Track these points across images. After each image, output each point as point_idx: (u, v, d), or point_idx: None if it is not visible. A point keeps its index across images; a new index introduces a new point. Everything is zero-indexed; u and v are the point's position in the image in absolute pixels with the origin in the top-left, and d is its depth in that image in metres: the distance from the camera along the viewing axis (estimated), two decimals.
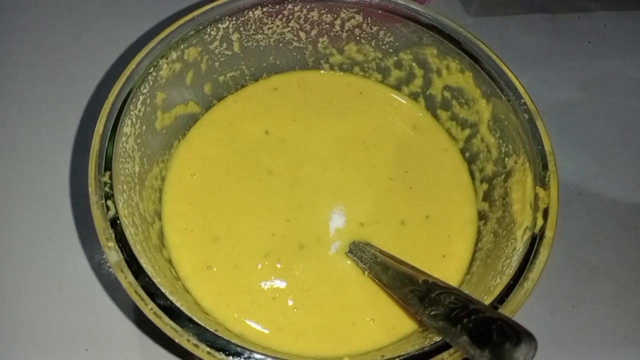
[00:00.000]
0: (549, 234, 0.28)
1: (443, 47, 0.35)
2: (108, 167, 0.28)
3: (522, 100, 0.32)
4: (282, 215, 0.35)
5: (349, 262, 0.33)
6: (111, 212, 0.27)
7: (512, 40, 0.52)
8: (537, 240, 0.28)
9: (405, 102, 0.39)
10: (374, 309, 0.32)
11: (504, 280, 0.27)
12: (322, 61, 0.39)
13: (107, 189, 0.28)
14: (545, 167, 0.30)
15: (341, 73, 0.40)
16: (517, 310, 0.26)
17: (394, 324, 0.32)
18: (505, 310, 0.26)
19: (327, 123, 0.38)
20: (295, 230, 0.34)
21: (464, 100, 0.36)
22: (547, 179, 0.29)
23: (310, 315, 0.32)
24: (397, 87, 0.39)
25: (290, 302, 0.32)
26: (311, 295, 0.32)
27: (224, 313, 0.31)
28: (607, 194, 0.46)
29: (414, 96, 0.39)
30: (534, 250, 0.28)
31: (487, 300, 0.27)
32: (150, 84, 0.32)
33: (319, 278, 0.33)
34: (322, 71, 0.40)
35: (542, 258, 0.27)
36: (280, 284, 0.32)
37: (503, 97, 0.32)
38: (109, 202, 0.27)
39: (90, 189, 0.28)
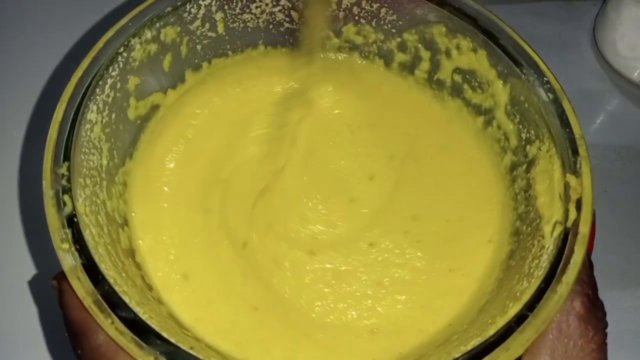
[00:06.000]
0: (583, 229, 0.24)
1: (452, 23, 0.31)
2: (67, 157, 0.24)
3: (544, 79, 0.28)
4: (270, 217, 0.31)
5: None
6: (67, 209, 0.23)
7: (525, 29, 0.47)
8: (570, 237, 0.24)
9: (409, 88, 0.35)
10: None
11: (534, 283, 0.23)
12: None
13: (64, 181, 0.24)
14: (575, 152, 0.26)
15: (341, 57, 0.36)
16: (549, 319, 0.22)
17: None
18: (537, 318, 0.22)
19: None
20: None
21: (477, 84, 0.32)
22: (578, 166, 0.25)
23: (301, 331, 0.27)
24: (401, 73, 0.35)
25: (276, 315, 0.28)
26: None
27: (204, 327, 0.27)
28: (634, 190, 0.42)
29: (419, 82, 0.35)
30: (566, 248, 0.24)
31: (514, 308, 0.23)
32: (121, 66, 0.28)
33: None
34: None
35: (578, 257, 0.23)
36: (265, 294, 0.28)
37: (523, 76, 0.28)
38: (66, 197, 0.23)
39: (44, 183, 0.24)
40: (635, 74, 0.45)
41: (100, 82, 0.27)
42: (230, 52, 0.34)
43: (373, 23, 0.34)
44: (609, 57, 0.46)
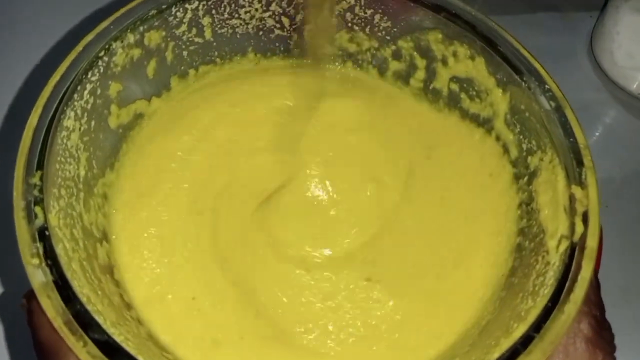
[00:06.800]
0: (591, 243, 0.22)
1: (449, 30, 0.30)
2: (40, 166, 0.23)
3: (546, 86, 0.27)
4: (263, 236, 0.29)
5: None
6: (39, 221, 0.22)
7: (521, 40, 0.47)
8: (577, 252, 0.22)
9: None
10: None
11: (540, 302, 0.22)
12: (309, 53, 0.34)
13: (36, 192, 0.22)
14: (580, 162, 0.24)
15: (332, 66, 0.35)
16: (557, 341, 0.21)
17: None
18: (544, 340, 0.20)
19: None
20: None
21: (474, 93, 0.31)
22: (583, 177, 0.24)
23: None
24: (396, 83, 0.34)
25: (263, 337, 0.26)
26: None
27: (185, 348, 0.25)
28: (635, 205, 0.40)
29: (414, 92, 0.34)
30: (573, 263, 0.22)
31: (519, 329, 0.21)
32: (101, 71, 0.27)
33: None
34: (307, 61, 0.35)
35: (586, 274, 0.22)
36: (254, 316, 0.26)
37: (523, 84, 0.27)
38: (37, 209, 0.22)
39: (15, 193, 0.22)
40: (635, 86, 0.44)
41: (79, 87, 0.25)
42: (218, 60, 0.33)
43: (367, 30, 0.32)
44: (606, 68, 0.45)
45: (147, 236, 0.28)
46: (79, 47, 0.26)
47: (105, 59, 0.27)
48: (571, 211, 0.24)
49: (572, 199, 0.24)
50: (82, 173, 0.26)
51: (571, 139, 0.25)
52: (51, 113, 0.24)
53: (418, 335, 0.27)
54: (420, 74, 0.33)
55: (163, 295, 0.27)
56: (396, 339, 0.26)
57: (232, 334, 0.26)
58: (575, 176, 0.24)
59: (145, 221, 0.29)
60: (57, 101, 0.25)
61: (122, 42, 0.27)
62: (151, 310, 0.26)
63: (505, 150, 0.29)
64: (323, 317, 0.27)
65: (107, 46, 0.27)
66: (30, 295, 0.21)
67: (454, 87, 0.32)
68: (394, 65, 0.33)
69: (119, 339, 0.20)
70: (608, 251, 0.38)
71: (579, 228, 0.23)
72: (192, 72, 0.32)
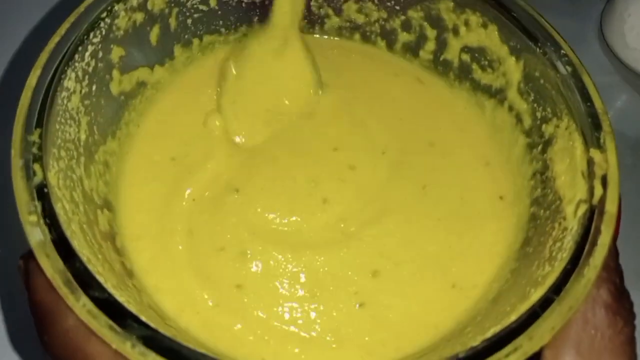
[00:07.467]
0: (610, 208, 0.22)
1: None
2: (39, 124, 0.22)
3: (562, 52, 0.26)
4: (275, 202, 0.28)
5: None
6: (37, 178, 0.21)
7: None
8: (596, 216, 0.21)
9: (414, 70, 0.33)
10: None
11: (557, 266, 0.21)
12: (315, 24, 0.33)
13: (35, 149, 0.21)
14: (598, 127, 0.24)
15: (338, 39, 0.34)
16: (576, 306, 0.20)
17: None
18: (563, 304, 0.19)
19: None
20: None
21: (487, 62, 0.30)
22: (602, 141, 0.23)
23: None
24: (404, 55, 0.33)
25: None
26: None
27: (188, 318, 0.24)
28: None
29: (424, 64, 0.33)
30: (592, 227, 0.21)
31: (537, 293, 0.20)
32: (103, 33, 0.26)
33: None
34: (316, 36, 0.34)
35: (605, 239, 0.21)
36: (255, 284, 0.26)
37: (538, 50, 0.26)
38: (36, 166, 0.21)
39: (13, 152, 0.21)
40: None
41: (80, 48, 0.25)
42: (223, 29, 0.32)
43: (376, 0, 0.32)
44: (617, 50, 0.44)
45: (147, 207, 0.27)
46: (81, 8, 0.25)
47: (108, 20, 0.26)
48: (589, 175, 0.23)
49: (590, 163, 0.23)
50: (83, 137, 0.25)
51: (588, 104, 0.24)
52: (52, 72, 0.24)
53: (425, 308, 0.26)
54: (431, 45, 0.32)
55: (163, 264, 0.26)
56: (398, 317, 0.26)
57: (232, 309, 0.25)
58: (593, 141, 0.23)
59: (145, 192, 0.28)
60: (58, 60, 0.24)
61: (124, 4, 0.27)
62: (151, 279, 0.25)
63: (519, 120, 0.28)
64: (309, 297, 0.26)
65: (109, 8, 0.26)
66: (28, 257, 0.21)
67: (465, 57, 0.31)
68: (404, 37, 0.33)
69: (120, 299, 0.19)
70: (620, 232, 0.37)
71: (598, 191, 0.22)
72: (196, 41, 0.31)
